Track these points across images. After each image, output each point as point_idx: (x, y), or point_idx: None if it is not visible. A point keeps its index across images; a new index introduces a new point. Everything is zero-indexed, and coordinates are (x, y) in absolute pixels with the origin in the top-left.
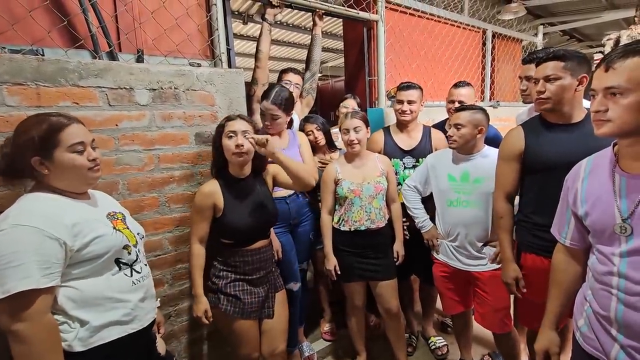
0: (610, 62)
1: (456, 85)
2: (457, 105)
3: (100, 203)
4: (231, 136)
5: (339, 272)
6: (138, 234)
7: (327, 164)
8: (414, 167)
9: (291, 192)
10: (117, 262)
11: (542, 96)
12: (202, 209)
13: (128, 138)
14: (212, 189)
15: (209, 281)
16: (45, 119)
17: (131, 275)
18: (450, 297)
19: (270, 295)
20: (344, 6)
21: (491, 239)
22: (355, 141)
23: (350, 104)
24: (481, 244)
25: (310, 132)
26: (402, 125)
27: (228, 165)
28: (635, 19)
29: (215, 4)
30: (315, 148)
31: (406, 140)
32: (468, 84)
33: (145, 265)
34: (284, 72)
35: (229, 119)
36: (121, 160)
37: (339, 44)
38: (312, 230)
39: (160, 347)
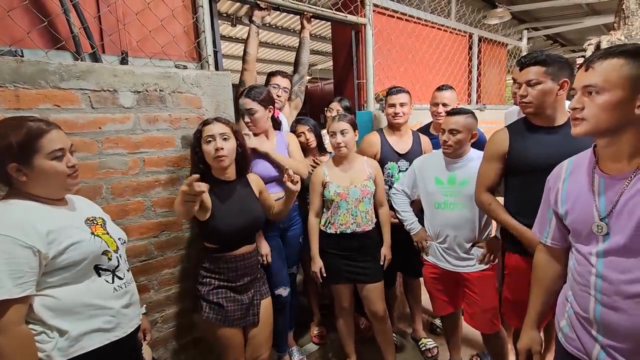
0: (590, 62)
1: (439, 89)
2: (441, 108)
3: (79, 208)
4: (210, 141)
5: (324, 275)
6: (119, 239)
7: (318, 164)
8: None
9: (281, 195)
10: (96, 268)
11: (524, 100)
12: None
13: (112, 141)
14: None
15: (196, 286)
16: (23, 124)
17: (113, 282)
18: (440, 298)
19: (255, 302)
20: (332, 9)
21: (478, 240)
22: (342, 144)
23: (334, 106)
24: (469, 245)
25: (302, 134)
26: (394, 129)
27: (210, 169)
28: (615, 24)
29: (202, 6)
30: (306, 150)
31: (400, 144)
32: (451, 87)
33: (128, 270)
34: (271, 75)
35: (205, 123)
36: (105, 164)
37: (328, 47)
38: (301, 234)
39: (147, 354)
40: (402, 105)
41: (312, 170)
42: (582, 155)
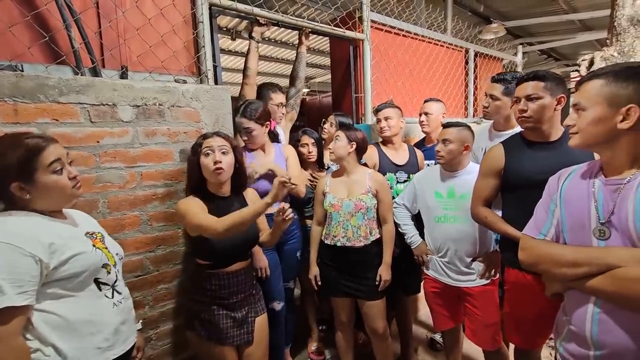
0: (580, 83)
1: (426, 101)
2: (423, 117)
3: (79, 222)
4: (208, 153)
5: (319, 283)
6: (117, 254)
7: (317, 179)
8: (406, 182)
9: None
10: (96, 282)
11: (524, 115)
12: (190, 205)
13: (110, 155)
14: (196, 200)
15: (188, 303)
16: (21, 142)
17: (112, 297)
18: (440, 313)
19: (249, 320)
20: (331, 25)
21: (479, 254)
22: (330, 150)
23: (331, 119)
24: (470, 259)
25: (306, 145)
26: (387, 142)
27: (206, 183)
28: (608, 41)
29: (202, 22)
30: (305, 163)
31: (397, 156)
32: (437, 100)
33: (125, 286)
34: (270, 90)
35: (205, 137)
36: (102, 177)
37: (327, 60)
38: (299, 248)
39: None
40: (387, 119)
41: (310, 185)
42: (590, 162)
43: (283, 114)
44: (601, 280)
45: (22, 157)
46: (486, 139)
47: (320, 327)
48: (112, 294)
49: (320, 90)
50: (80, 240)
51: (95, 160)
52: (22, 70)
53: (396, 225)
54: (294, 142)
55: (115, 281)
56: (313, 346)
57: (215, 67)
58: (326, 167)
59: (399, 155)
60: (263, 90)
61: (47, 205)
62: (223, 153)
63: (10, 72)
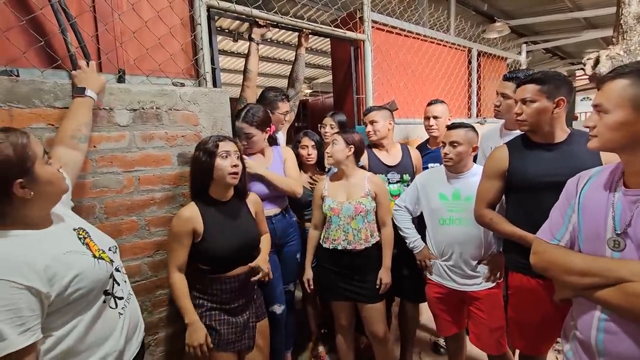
0: (601, 81)
1: (430, 103)
2: (432, 120)
3: (64, 218)
4: (226, 156)
5: (311, 287)
6: (109, 248)
7: (316, 182)
8: (398, 182)
9: (277, 211)
10: (105, 293)
11: (519, 118)
12: (181, 236)
13: (107, 160)
14: (192, 214)
15: None
16: (5, 137)
17: (116, 307)
18: (444, 319)
19: (250, 325)
20: (331, 26)
21: (484, 257)
22: (329, 153)
23: (327, 122)
24: (475, 262)
25: (305, 147)
26: (375, 144)
27: (209, 188)
28: (614, 39)
29: (200, 24)
30: (303, 165)
31: (387, 157)
32: (442, 101)
33: (125, 282)
34: (277, 99)
35: (219, 139)
36: (99, 182)
37: (329, 61)
38: (298, 250)
39: None
40: (372, 122)
41: (310, 188)
42: (611, 166)
43: (287, 120)
44: (611, 292)
45: (16, 150)
46: (497, 138)
47: (322, 330)
48: (115, 303)
49: (323, 91)
50: (77, 252)
51: (92, 165)
52: (17, 75)
53: (396, 228)
54: (294, 143)
55: (114, 286)
56: (314, 350)
57: (213, 69)
58: (327, 170)
59: (391, 156)
60: (269, 96)
61: (44, 206)
62: (237, 158)
63: (5, 77)
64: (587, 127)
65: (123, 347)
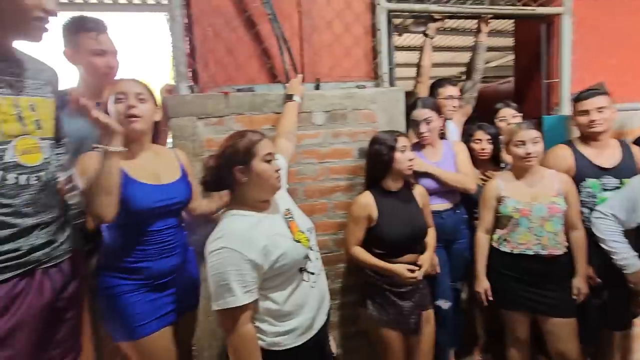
0: None
1: None
2: None
3: (279, 201)
4: (404, 150)
5: (490, 298)
6: (307, 230)
7: (489, 179)
8: (616, 189)
9: (448, 206)
10: (300, 270)
11: None
12: (359, 219)
13: (306, 153)
14: (367, 201)
15: (364, 284)
16: (245, 134)
17: (309, 280)
18: None
19: (416, 312)
20: (517, 4)
21: None
22: (533, 154)
23: (507, 113)
24: None
25: (479, 141)
26: (590, 139)
27: (383, 179)
28: None
29: (380, 29)
30: (477, 160)
31: (601, 157)
32: None
33: (317, 259)
34: (439, 85)
35: (398, 134)
36: (301, 171)
37: (505, 42)
38: (468, 248)
39: (333, 346)
40: (599, 110)
41: (482, 184)
42: None
43: (454, 107)
44: None
45: (245, 145)
46: None
47: (489, 337)
48: (308, 277)
49: (497, 76)
50: (284, 236)
51: (297, 157)
52: (253, 91)
53: (595, 239)
54: (467, 136)
55: (307, 263)
56: (478, 357)
57: (390, 69)
58: (503, 166)
59: (605, 155)
60: (433, 89)
61: (256, 194)
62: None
63: (248, 92)
64: None
65: (315, 314)
